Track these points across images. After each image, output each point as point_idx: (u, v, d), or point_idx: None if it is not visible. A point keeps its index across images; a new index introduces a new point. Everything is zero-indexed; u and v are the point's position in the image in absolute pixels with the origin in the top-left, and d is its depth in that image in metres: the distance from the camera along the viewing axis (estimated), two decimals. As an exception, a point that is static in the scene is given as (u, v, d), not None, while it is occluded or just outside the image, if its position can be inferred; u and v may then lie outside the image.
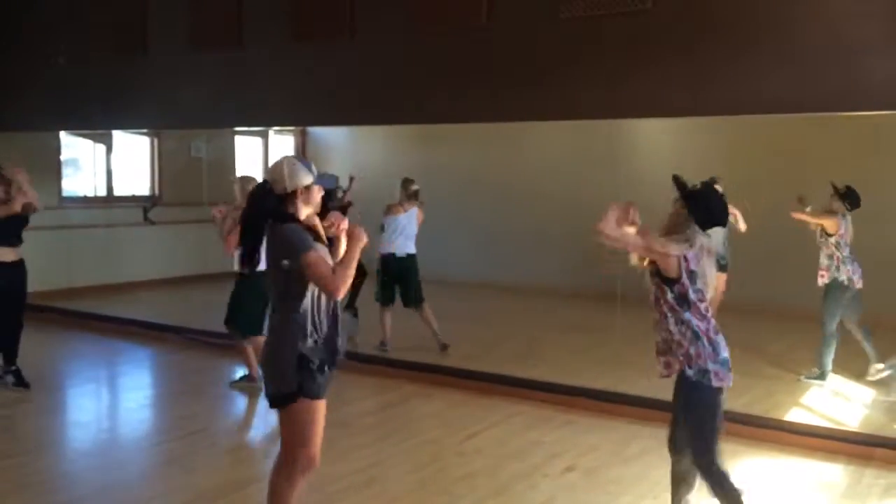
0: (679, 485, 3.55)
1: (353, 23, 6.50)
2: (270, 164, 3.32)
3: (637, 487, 4.32)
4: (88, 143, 10.58)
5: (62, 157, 10.31)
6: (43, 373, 6.03)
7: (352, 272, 3.09)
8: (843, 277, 6.02)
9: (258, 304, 5.46)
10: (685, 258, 3.29)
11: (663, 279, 3.33)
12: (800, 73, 4.82)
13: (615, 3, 5.30)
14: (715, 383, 3.29)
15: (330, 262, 3.11)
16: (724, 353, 3.33)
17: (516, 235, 10.43)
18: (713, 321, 3.35)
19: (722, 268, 7.02)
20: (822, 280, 6.07)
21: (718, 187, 7.00)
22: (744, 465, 4.71)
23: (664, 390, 3.50)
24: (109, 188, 10.73)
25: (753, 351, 7.03)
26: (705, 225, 3.32)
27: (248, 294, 5.66)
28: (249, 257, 3.16)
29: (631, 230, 3.37)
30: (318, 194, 3.22)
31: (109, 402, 6.33)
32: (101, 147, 10.59)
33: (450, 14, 6.01)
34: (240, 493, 4.23)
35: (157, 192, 11.08)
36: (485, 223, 10.63)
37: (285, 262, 3.04)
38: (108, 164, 10.70)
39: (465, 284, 10.39)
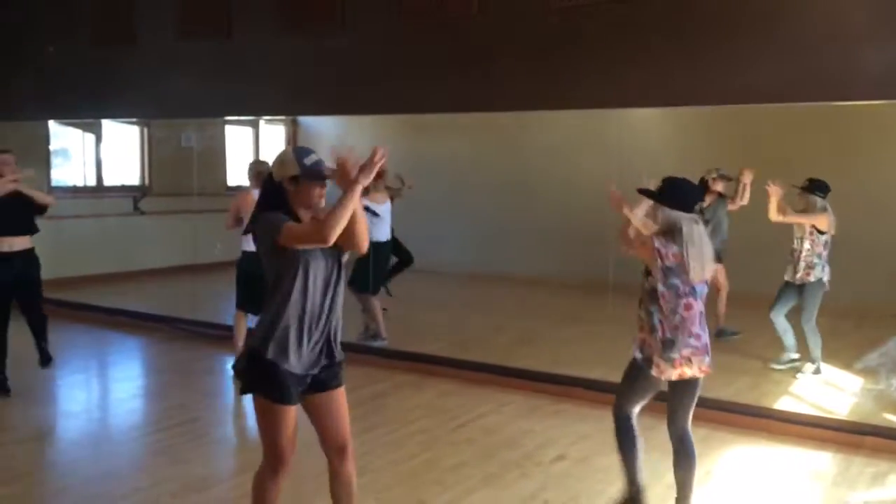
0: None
1: (343, 12, 6.46)
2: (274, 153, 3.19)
3: (627, 476, 4.33)
4: (78, 132, 10.51)
5: (51, 147, 10.24)
6: (33, 363, 5.99)
7: (341, 217, 2.80)
8: (825, 277, 6.03)
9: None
10: (660, 253, 3.42)
11: (646, 269, 3.51)
12: (794, 62, 4.81)
13: (606, -9, 5.29)
14: (654, 373, 3.53)
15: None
16: (674, 353, 3.44)
17: (509, 225, 10.43)
18: (682, 318, 3.44)
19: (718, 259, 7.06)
20: (808, 279, 6.02)
21: (714, 175, 7.01)
22: (734, 453, 4.74)
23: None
24: (99, 178, 10.67)
25: (742, 340, 7.05)
26: (686, 207, 3.46)
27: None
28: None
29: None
30: (311, 191, 2.99)
31: (99, 393, 6.30)
32: (91, 137, 10.52)
33: (441, 4, 5.98)
34: (229, 483, 4.23)
35: (147, 181, 11.02)
36: (477, 213, 10.62)
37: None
38: (97, 154, 10.63)
39: (457, 274, 10.39)
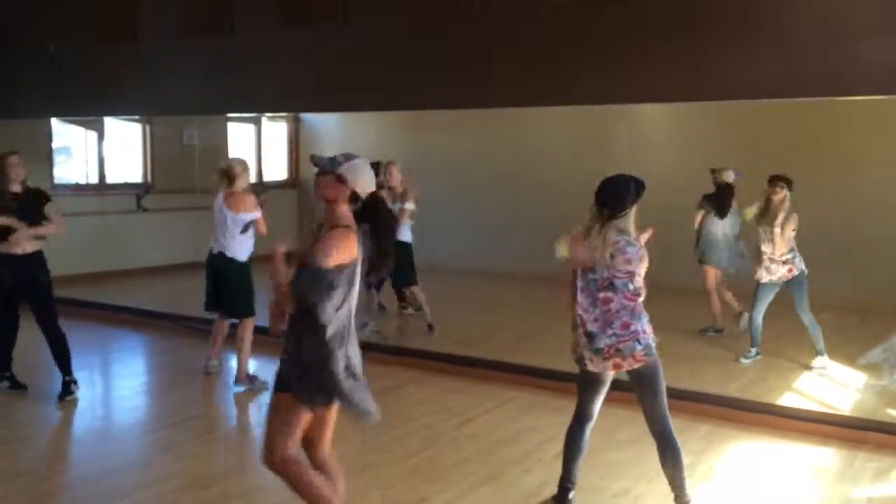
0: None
1: (345, 8, 6.45)
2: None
3: (630, 472, 4.34)
4: (80, 130, 10.51)
5: (54, 145, 10.24)
6: (36, 361, 6.00)
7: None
8: (804, 266, 6.13)
9: None
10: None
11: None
12: (795, 57, 4.80)
13: (608, -13, 5.28)
14: (589, 367, 3.67)
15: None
16: (600, 343, 3.58)
17: (511, 222, 10.42)
18: (602, 311, 3.59)
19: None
20: (791, 274, 6.10)
21: (730, 174, 7.01)
22: (737, 449, 4.74)
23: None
24: (102, 175, 10.67)
25: (745, 336, 7.03)
26: (619, 208, 3.61)
27: None
28: None
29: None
30: (320, 184, 3.15)
31: (104, 390, 6.31)
32: (93, 134, 10.53)
33: (442, 0, 5.97)
34: (234, 480, 4.24)
35: (149, 179, 11.03)
36: (479, 210, 10.61)
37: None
38: (99, 152, 10.63)
39: (459, 271, 10.38)
